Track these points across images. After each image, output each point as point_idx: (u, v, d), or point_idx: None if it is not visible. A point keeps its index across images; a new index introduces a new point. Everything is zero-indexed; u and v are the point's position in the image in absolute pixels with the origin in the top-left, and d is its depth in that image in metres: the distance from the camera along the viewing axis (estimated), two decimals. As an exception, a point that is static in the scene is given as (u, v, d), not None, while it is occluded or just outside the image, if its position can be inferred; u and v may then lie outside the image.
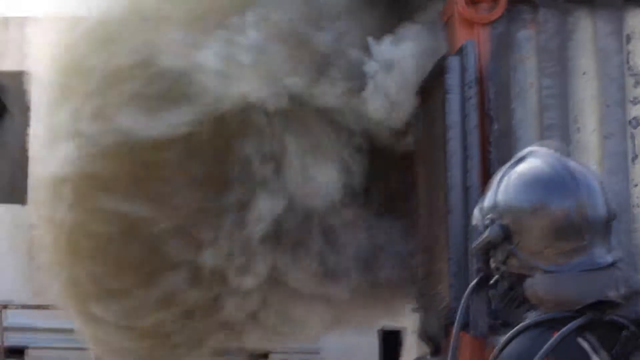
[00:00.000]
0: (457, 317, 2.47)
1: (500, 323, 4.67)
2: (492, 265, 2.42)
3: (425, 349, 6.20)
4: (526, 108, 5.07)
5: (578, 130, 5.03)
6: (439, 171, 5.19)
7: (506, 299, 2.44)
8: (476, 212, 2.48)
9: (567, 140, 5.01)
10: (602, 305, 2.23)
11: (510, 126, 5.04)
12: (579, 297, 2.25)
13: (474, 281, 2.58)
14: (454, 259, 4.80)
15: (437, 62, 5.17)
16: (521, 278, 2.37)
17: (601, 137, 5.01)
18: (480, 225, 2.42)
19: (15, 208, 13.34)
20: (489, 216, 2.41)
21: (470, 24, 5.18)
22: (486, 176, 4.96)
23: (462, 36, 5.17)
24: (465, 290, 4.72)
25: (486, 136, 5.00)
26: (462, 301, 2.55)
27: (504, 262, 2.38)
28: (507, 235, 2.35)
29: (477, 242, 2.43)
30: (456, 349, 2.38)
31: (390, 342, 11.99)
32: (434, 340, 6.08)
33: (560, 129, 5.02)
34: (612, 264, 2.31)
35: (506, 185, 2.43)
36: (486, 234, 2.39)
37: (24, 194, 13.42)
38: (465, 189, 4.84)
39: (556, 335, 2.16)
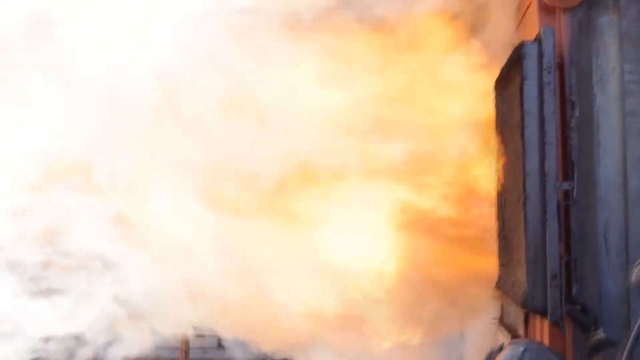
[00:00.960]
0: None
1: (579, 309, 4.65)
2: None
3: (507, 337, 6.20)
4: (608, 94, 5.02)
5: (660, 116, 4.97)
6: (517, 159, 5.17)
7: None
8: None
9: (649, 127, 4.96)
10: None
11: (591, 112, 5.00)
12: None
13: None
14: (531, 246, 4.79)
15: (515, 49, 5.16)
16: None
17: (684, 123, 4.95)
18: None
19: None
20: None
21: (551, 10, 5.16)
22: (565, 163, 4.94)
23: (542, 23, 5.14)
24: (543, 275, 4.73)
25: (567, 122, 4.97)
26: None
27: None
28: None
29: None
30: None
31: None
32: (513, 328, 6.08)
33: (642, 115, 4.97)
34: None
35: None
36: None
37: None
38: (543, 176, 4.82)
39: None
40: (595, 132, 4.98)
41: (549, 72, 4.91)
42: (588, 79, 5.02)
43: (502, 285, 5.78)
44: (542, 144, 4.90)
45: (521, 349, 4.51)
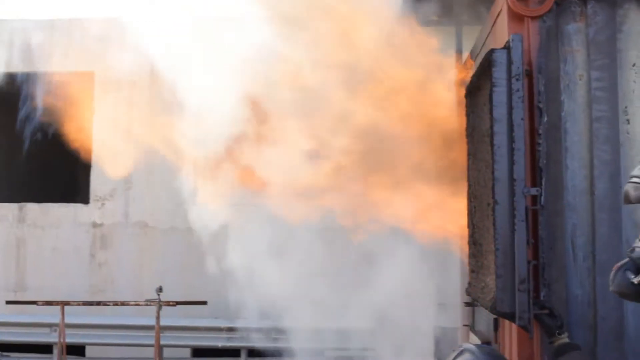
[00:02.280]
0: None
1: (546, 313, 4.69)
2: None
3: (477, 342, 6.22)
4: (575, 101, 5.08)
5: (627, 122, 5.02)
6: (487, 165, 5.22)
7: None
8: None
9: (616, 133, 5.01)
10: None
11: (559, 118, 5.06)
12: None
13: None
14: (501, 250, 4.83)
15: (485, 57, 5.21)
16: None
17: (651, 129, 5.01)
18: None
19: (77, 207, 13.61)
20: None
21: (520, 18, 5.21)
22: (533, 169, 4.99)
23: (512, 30, 5.19)
24: (511, 280, 4.77)
25: (535, 128, 5.02)
26: None
27: None
28: None
29: None
30: None
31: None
32: (483, 334, 6.11)
33: (609, 121, 5.02)
34: None
35: None
36: None
37: (86, 193, 13.72)
38: (512, 182, 4.86)
39: None
40: (563, 138, 5.04)
41: (517, 80, 4.96)
42: (556, 85, 5.08)
43: (472, 290, 5.81)
44: (511, 150, 4.94)
45: (461, 350, 4.54)
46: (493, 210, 4.90)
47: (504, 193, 4.89)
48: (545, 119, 5.01)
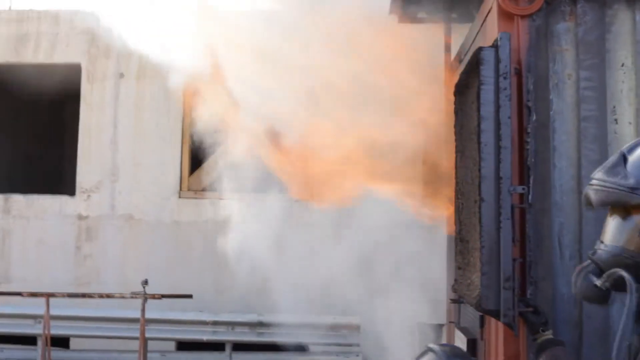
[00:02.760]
0: (626, 315, 2.33)
1: (531, 311, 4.71)
2: None
3: (463, 339, 6.25)
4: (564, 100, 5.10)
5: (615, 122, 5.05)
6: (474, 162, 5.23)
7: None
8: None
9: (604, 132, 5.04)
10: None
11: (547, 117, 5.08)
12: None
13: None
14: (486, 248, 4.84)
15: (473, 54, 5.22)
16: None
17: (638, 129, 5.03)
18: None
19: (63, 199, 13.58)
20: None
21: (509, 16, 5.23)
22: (521, 167, 5.01)
23: (501, 28, 5.21)
24: (497, 278, 4.79)
25: (524, 127, 5.03)
26: (630, 298, 2.38)
27: None
28: None
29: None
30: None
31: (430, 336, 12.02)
32: (469, 331, 6.13)
33: (597, 121, 5.05)
34: None
35: None
36: None
37: (72, 185, 13.70)
38: (498, 180, 4.88)
39: None
40: (551, 137, 5.05)
41: (504, 78, 4.97)
42: (545, 84, 5.10)
43: (458, 287, 5.83)
44: (498, 148, 4.95)
45: (425, 349, 4.56)
46: (479, 207, 4.92)
47: (490, 191, 4.90)
48: (534, 117, 5.03)
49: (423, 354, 4.66)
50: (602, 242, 2.56)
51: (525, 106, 5.05)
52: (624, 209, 2.44)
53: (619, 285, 2.44)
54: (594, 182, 2.55)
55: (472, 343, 5.98)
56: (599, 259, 2.57)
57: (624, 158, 2.52)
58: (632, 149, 2.56)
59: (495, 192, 4.87)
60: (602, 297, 2.52)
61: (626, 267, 2.42)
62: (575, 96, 5.09)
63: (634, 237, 2.40)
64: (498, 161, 4.89)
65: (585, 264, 2.67)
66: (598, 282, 2.53)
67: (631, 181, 2.42)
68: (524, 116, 5.05)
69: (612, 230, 2.48)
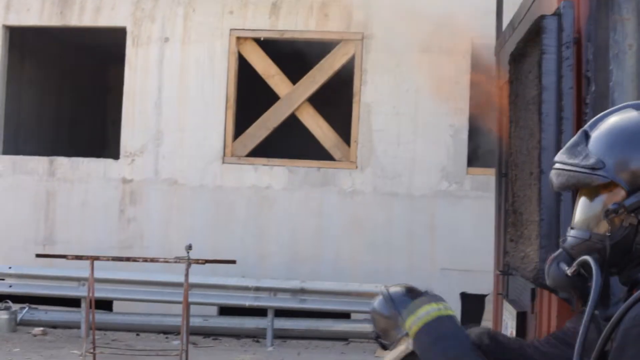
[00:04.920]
0: (590, 303, 2.21)
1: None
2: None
3: (512, 312, 6.18)
4: (624, 70, 4.98)
5: (677, 94, 4.93)
6: (531, 133, 5.14)
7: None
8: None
9: (665, 104, 4.92)
10: None
11: (607, 88, 4.96)
12: None
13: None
14: (546, 220, 4.76)
15: (534, 23, 5.11)
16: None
17: (700, 102, 4.91)
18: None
19: (107, 162, 13.64)
20: (599, 171, 2.21)
21: (569, -16, 5.10)
22: (581, 138, 4.91)
23: (560, -3, 5.09)
24: (553, 251, 4.71)
25: (582, 97, 4.93)
26: (594, 285, 2.17)
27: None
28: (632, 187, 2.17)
29: (638, 198, 2.17)
30: (585, 334, 2.16)
31: (473, 305, 11.99)
32: (518, 303, 6.06)
33: (658, 92, 4.93)
34: None
35: (618, 135, 2.25)
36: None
37: (116, 149, 13.75)
38: (559, 151, 4.78)
39: None
40: (611, 108, 4.95)
41: (567, 47, 4.86)
42: (605, 54, 4.98)
43: (511, 260, 5.76)
44: (559, 119, 4.85)
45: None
46: (539, 179, 4.82)
47: (551, 162, 4.81)
48: (593, 88, 4.92)
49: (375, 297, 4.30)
50: (571, 227, 2.40)
51: (585, 76, 4.94)
52: (589, 191, 2.27)
53: (588, 272, 2.27)
54: (556, 164, 2.38)
55: (521, 316, 5.91)
56: (568, 246, 2.40)
57: (585, 136, 2.35)
58: (594, 125, 2.36)
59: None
60: (574, 286, 2.36)
61: (597, 252, 2.25)
62: (636, 67, 4.96)
63: (601, 220, 2.23)
64: (559, 132, 4.80)
65: (556, 252, 2.51)
66: (569, 271, 2.37)
67: (591, 161, 2.24)
68: (583, 87, 4.94)
69: (579, 215, 2.32)
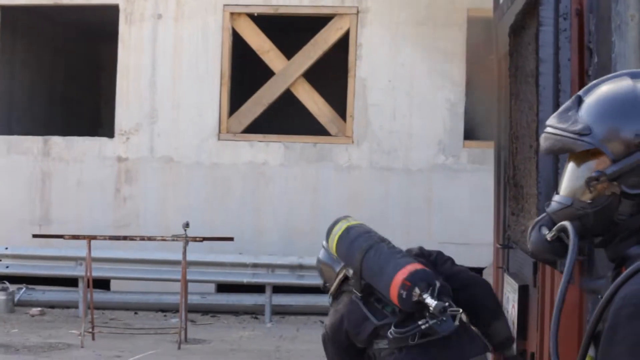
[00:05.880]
0: (566, 269, 2.22)
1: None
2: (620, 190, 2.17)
3: (514, 285, 6.16)
4: (626, 41, 4.92)
5: (680, 65, 4.89)
6: (530, 106, 5.10)
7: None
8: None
9: (667, 75, 4.87)
10: None
11: (609, 60, 4.91)
12: None
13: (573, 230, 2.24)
14: (543, 194, 4.72)
15: (532, -6, 5.05)
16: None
17: None
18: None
19: (102, 141, 13.57)
20: (584, 137, 2.18)
21: (569, -45, 5.05)
22: (582, 111, 4.86)
23: (560, -32, 5.03)
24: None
25: (585, 69, 4.88)
26: (570, 251, 2.20)
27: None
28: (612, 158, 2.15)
29: (619, 167, 2.16)
30: (562, 302, 2.15)
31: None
32: (519, 277, 6.04)
33: (661, 64, 4.89)
34: None
35: (602, 105, 2.22)
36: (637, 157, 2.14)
37: (111, 127, 13.68)
38: (557, 123, 4.74)
39: None
40: (611, 77, 4.90)
41: (564, 19, 4.81)
42: (607, 26, 4.92)
43: (512, 233, 5.73)
44: (557, 92, 4.80)
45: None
46: (536, 153, 4.79)
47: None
48: (596, 59, 4.87)
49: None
50: (556, 192, 2.38)
51: (587, 48, 4.89)
52: (577, 158, 2.25)
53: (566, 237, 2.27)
54: (547, 127, 2.35)
55: (523, 290, 5.88)
56: (551, 211, 2.39)
57: (579, 101, 2.29)
58: (588, 91, 2.32)
59: (553, 137, 4.74)
60: (553, 252, 2.33)
61: (578, 220, 2.24)
62: (638, 38, 4.91)
63: (584, 187, 2.22)
64: (556, 105, 4.75)
65: (540, 216, 2.48)
66: (548, 236, 2.35)
67: (579, 127, 2.21)
68: (585, 58, 4.90)
69: (566, 181, 2.30)
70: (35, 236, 11.21)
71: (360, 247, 4.56)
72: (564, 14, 4.85)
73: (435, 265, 4.70)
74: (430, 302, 4.28)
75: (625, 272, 2.03)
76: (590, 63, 4.86)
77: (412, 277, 4.33)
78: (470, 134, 12.93)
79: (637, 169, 2.11)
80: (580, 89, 4.88)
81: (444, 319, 4.33)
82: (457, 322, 4.41)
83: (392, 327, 4.36)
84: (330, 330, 4.68)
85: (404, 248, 4.93)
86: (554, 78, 4.87)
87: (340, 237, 4.66)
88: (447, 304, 4.33)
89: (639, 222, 2.15)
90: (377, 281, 4.47)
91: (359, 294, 4.57)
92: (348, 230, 4.63)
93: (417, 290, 4.29)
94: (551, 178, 4.79)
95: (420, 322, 4.32)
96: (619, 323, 1.97)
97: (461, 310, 4.47)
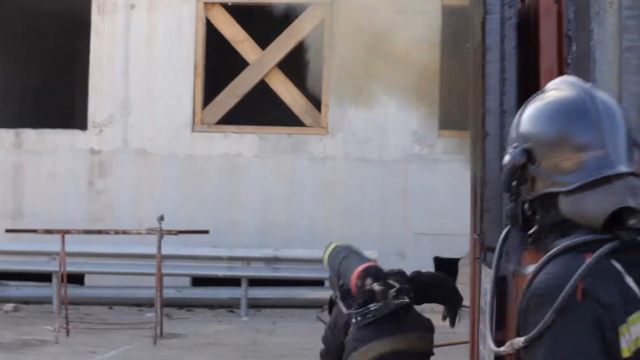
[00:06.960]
0: (495, 261, 2.56)
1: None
2: (523, 196, 2.41)
3: (489, 274, 6.12)
4: (605, 29, 4.87)
5: (659, 53, 4.84)
6: (479, 96, 5.06)
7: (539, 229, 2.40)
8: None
9: (646, 63, 4.83)
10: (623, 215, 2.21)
11: (588, 47, 4.86)
12: (600, 209, 2.23)
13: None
14: (490, 183, 4.67)
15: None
16: (548, 205, 2.34)
17: (682, 60, 4.83)
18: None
19: (74, 133, 13.43)
20: (514, 145, 2.42)
21: (546, -60, 5.00)
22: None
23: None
24: (501, 214, 4.63)
25: (564, 58, 4.83)
26: (498, 245, 2.52)
27: (532, 188, 2.36)
28: (529, 156, 2.35)
29: (503, 172, 2.45)
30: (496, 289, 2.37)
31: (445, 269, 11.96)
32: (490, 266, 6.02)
33: (639, 52, 4.84)
34: (629, 174, 2.25)
35: (528, 114, 2.47)
36: (508, 158, 2.39)
37: (84, 119, 13.53)
38: (502, 113, 4.69)
39: (591, 258, 2.13)
40: (592, 67, 4.85)
41: (510, 7, 4.78)
42: (586, 13, 4.87)
43: (480, 224, 5.69)
44: (502, 80, 4.77)
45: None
46: (483, 141, 4.74)
47: (494, 125, 4.73)
48: (575, 47, 4.82)
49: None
50: None
51: (566, 35, 4.83)
52: None
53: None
54: None
55: (501, 280, 5.84)
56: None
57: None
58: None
59: (498, 127, 4.69)
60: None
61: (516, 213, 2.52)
62: (617, 25, 4.86)
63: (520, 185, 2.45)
64: (502, 94, 4.71)
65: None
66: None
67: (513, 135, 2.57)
68: (564, 46, 4.85)
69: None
70: (8, 231, 11.07)
71: (339, 256, 5.82)
72: (509, 1, 4.83)
73: (413, 278, 5.79)
74: (377, 288, 5.36)
75: (539, 262, 2.22)
76: (569, 51, 4.81)
77: (366, 270, 5.45)
78: (445, 124, 12.88)
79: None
80: (559, 76, 4.84)
81: (387, 301, 5.38)
82: (397, 302, 5.42)
83: (353, 312, 5.51)
84: (323, 342, 5.87)
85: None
86: (499, 66, 4.85)
87: (330, 255, 5.95)
88: (390, 290, 5.38)
89: (550, 220, 2.34)
90: (346, 278, 5.56)
91: (338, 294, 5.72)
92: (337, 249, 5.93)
93: (368, 280, 5.37)
94: (497, 167, 4.76)
95: (370, 305, 5.40)
96: (529, 308, 2.17)
97: (407, 298, 5.48)
